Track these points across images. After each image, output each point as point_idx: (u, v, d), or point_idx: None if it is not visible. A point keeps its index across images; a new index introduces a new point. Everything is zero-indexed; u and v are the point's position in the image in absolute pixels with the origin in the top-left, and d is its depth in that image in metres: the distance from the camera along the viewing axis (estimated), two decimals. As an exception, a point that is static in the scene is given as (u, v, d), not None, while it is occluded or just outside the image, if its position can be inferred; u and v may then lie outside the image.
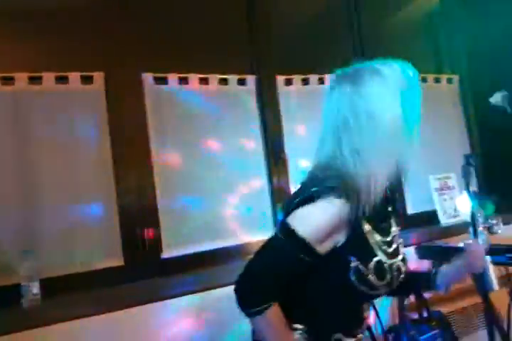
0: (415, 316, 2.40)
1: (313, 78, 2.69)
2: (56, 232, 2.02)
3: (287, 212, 1.09)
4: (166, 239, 2.22)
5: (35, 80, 2.03)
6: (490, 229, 2.16)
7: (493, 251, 1.94)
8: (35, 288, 1.85)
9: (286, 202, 1.19)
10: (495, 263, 1.87)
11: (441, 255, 2.13)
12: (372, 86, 1.10)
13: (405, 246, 2.37)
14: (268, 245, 1.10)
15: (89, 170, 2.11)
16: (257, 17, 2.56)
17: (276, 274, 1.06)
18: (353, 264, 1.07)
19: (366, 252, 1.09)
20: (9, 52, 2.02)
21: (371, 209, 1.06)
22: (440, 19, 3.26)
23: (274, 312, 1.06)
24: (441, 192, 2.91)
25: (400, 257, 1.17)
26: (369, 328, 1.32)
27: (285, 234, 1.06)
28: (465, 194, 1.77)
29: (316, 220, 1.05)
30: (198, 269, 2.15)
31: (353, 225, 1.07)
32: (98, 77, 2.14)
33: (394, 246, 1.17)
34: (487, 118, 2.99)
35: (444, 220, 2.85)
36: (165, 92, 2.29)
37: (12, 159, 1.98)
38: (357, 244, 1.08)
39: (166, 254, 2.21)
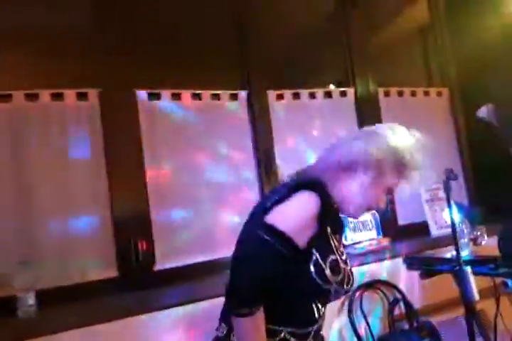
0: (406, 326, 2.44)
1: (304, 93, 2.75)
2: (52, 244, 2.07)
3: (261, 212, 1.19)
4: (159, 251, 2.26)
5: (31, 97, 2.10)
6: (475, 241, 2.20)
7: (476, 261, 2.00)
8: (31, 299, 1.88)
9: (254, 208, 1.30)
10: (478, 273, 1.92)
11: (429, 266, 2.17)
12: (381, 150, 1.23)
13: (395, 257, 2.47)
14: (248, 252, 1.20)
15: (85, 184, 2.17)
16: (247, 33, 2.61)
17: (258, 283, 1.15)
18: (314, 257, 1.17)
19: (326, 250, 1.21)
20: (7, 71, 2.09)
21: (332, 218, 1.22)
22: (429, 32, 3.31)
23: (261, 315, 1.16)
24: (432, 203, 2.93)
25: (349, 266, 1.31)
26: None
27: (266, 231, 1.15)
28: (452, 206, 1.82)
29: (293, 213, 1.17)
30: (189, 281, 2.18)
31: (321, 222, 1.18)
32: (93, 93, 2.21)
33: (344, 256, 1.31)
34: (477, 130, 3.01)
35: (435, 231, 2.86)
36: (158, 108, 2.35)
37: (9, 172, 2.04)
38: (321, 241, 1.20)
39: (159, 266, 2.25)
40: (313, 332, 1.26)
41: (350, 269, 1.32)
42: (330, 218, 1.22)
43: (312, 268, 1.17)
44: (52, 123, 2.14)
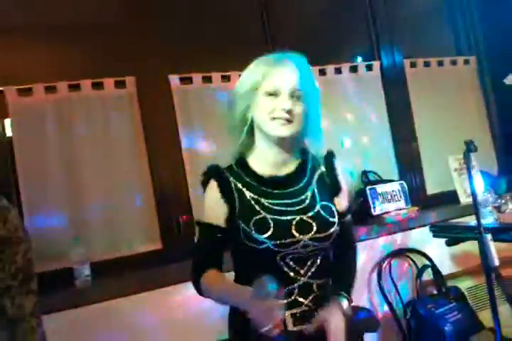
0: (434, 291, 2.55)
1: (330, 68, 2.77)
2: (101, 221, 2.23)
3: None
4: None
5: (74, 88, 2.23)
6: (499, 209, 2.24)
7: (500, 229, 2.07)
8: (87, 271, 2.06)
9: None
10: (500, 240, 1.99)
11: (454, 233, 2.24)
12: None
13: (424, 226, 2.52)
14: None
15: (128, 165, 2.31)
16: (270, 11, 2.65)
17: (202, 259, 1.33)
18: (240, 226, 1.28)
19: (248, 214, 1.28)
20: (50, 64, 2.24)
21: (258, 180, 1.32)
22: (457, 1, 3.24)
23: (206, 277, 1.28)
24: (461, 172, 2.89)
25: (310, 214, 1.29)
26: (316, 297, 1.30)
27: (196, 225, 1.36)
28: (474, 177, 1.86)
29: (204, 204, 1.36)
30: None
31: (232, 197, 1.30)
32: (130, 81, 2.33)
33: (302, 205, 1.30)
34: (506, 98, 2.98)
35: (464, 199, 2.85)
36: (190, 91, 2.45)
37: (59, 158, 2.20)
38: (243, 210, 1.30)
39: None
40: (296, 290, 1.26)
41: (316, 216, 1.29)
42: (249, 187, 1.31)
43: (242, 237, 1.26)
44: (94, 110, 2.28)
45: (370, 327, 2.15)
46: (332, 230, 1.30)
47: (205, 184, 1.36)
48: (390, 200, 2.69)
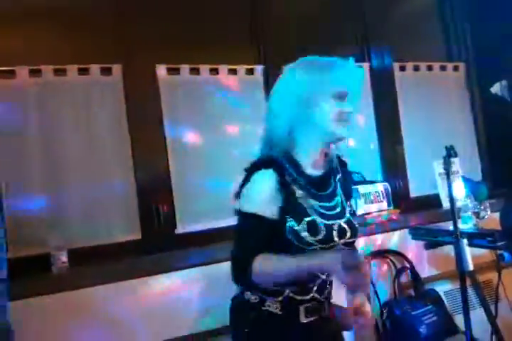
0: (411, 293, 2.55)
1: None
2: (81, 207, 2.21)
3: (235, 196, 1.32)
4: (180, 215, 2.37)
5: (60, 72, 2.20)
6: (477, 215, 2.26)
7: (477, 234, 2.08)
8: (64, 257, 2.04)
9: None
10: (476, 245, 2.00)
11: (432, 237, 2.25)
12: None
13: (405, 228, 2.53)
14: (236, 231, 1.30)
15: (110, 152, 2.29)
16: (263, 10, 2.66)
17: (252, 247, 1.23)
18: (288, 223, 1.25)
19: (299, 213, 1.27)
20: (36, 47, 2.19)
21: (305, 179, 1.29)
22: (448, 6, 3.25)
23: (260, 258, 1.21)
24: (445, 176, 2.92)
25: (344, 219, 1.34)
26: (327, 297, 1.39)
27: (237, 215, 1.28)
28: (453, 182, 1.88)
29: (253, 193, 1.27)
30: (209, 245, 2.25)
31: (286, 190, 1.26)
32: (116, 68, 2.31)
33: (337, 210, 1.34)
34: (492, 105, 3.00)
35: (447, 204, 2.76)
36: (178, 82, 2.43)
37: (40, 142, 2.17)
38: (292, 207, 1.27)
39: (179, 229, 2.36)
40: (316, 287, 1.32)
41: (349, 222, 1.35)
42: (298, 184, 1.28)
43: (289, 235, 1.24)
44: (79, 96, 2.25)
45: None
46: (358, 235, 1.40)
47: (254, 173, 1.28)
48: (373, 201, 2.70)
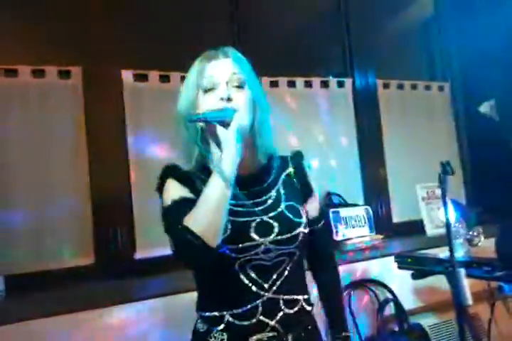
0: (395, 328, 2.36)
1: (300, 81, 2.67)
2: (26, 228, 2.00)
3: None
4: (140, 239, 2.19)
5: (10, 73, 2.01)
6: (470, 242, 2.10)
7: (472, 263, 1.91)
8: (0, 285, 1.83)
9: None
10: (473, 276, 1.83)
11: (421, 266, 2.07)
12: None
13: (388, 255, 2.38)
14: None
15: (64, 167, 2.10)
16: (242, 18, 2.54)
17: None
18: None
19: None
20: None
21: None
22: (433, 26, 3.24)
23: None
24: (429, 201, 2.86)
25: (272, 214, 1.17)
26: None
27: (162, 215, 1.14)
28: (448, 204, 1.72)
29: (168, 192, 1.16)
30: (170, 272, 2.04)
31: (194, 191, 1.14)
32: (76, 71, 2.13)
33: (266, 205, 1.19)
34: (477, 126, 2.96)
35: (430, 230, 2.80)
36: (145, 90, 2.26)
37: None
38: None
39: (139, 255, 2.18)
40: (260, 308, 1.12)
41: (279, 216, 1.17)
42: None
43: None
44: (32, 101, 2.06)
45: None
46: (297, 231, 1.17)
47: (161, 187, 1.18)
48: (354, 226, 2.57)
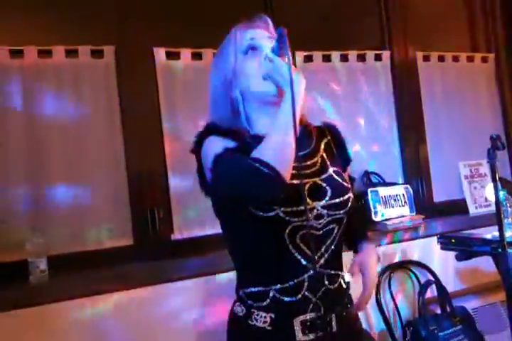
0: (437, 310, 2.31)
1: (336, 54, 2.58)
2: (66, 210, 2.00)
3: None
4: (178, 220, 2.17)
5: (44, 54, 1.99)
6: (519, 220, 2.00)
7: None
8: (43, 265, 1.84)
9: None
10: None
11: (467, 246, 1.99)
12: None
13: (429, 236, 2.31)
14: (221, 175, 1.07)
15: (100, 148, 2.08)
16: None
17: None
18: None
19: None
20: (18, 25, 1.99)
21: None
22: None
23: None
24: (472, 179, 2.77)
25: (324, 176, 1.15)
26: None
27: (212, 167, 1.06)
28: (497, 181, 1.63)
29: (212, 146, 1.09)
30: (208, 252, 2.07)
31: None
32: (108, 50, 2.09)
33: (315, 168, 1.16)
34: None
35: (474, 210, 2.72)
36: (177, 67, 2.21)
37: (22, 136, 1.95)
38: None
39: (176, 235, 2.17)
40: (306, 283, 1.08)
41: (329, 179, 1.15)
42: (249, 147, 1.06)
43: None
44: (66, 81, 2.03)
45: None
46: (347, 196, 1.15)
47: (200, 145, 1.12)
48: (393, 206, 2.50)
